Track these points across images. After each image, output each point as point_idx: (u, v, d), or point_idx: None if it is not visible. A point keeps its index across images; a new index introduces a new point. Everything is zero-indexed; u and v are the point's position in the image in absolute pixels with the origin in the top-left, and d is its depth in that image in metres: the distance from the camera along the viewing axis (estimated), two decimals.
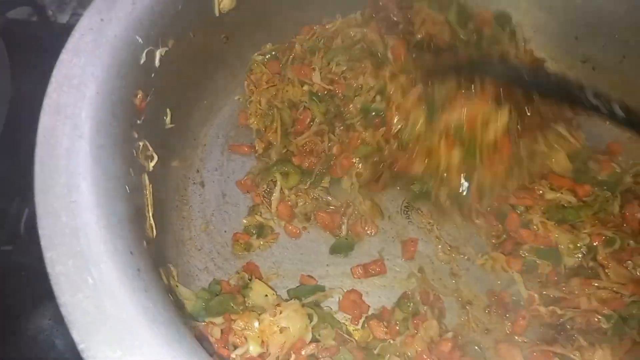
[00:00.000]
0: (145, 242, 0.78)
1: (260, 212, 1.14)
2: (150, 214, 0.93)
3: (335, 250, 1.11)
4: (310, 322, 0.94)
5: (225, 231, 1.13)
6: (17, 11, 1.50)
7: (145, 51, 0.91)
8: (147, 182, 0.94)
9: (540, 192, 1.10)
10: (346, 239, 1.12)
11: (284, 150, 1.18)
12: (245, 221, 1.13)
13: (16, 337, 1.07)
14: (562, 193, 1.09)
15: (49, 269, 0.65)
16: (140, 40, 0.90)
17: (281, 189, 1.13)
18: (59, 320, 1.04)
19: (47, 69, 0.80)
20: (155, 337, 0.62)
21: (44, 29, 1.49)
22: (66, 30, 0.84)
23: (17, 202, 1.18)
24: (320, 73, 1.20)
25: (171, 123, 1.07)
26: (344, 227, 1.12)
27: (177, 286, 0.96)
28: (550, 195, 1.09)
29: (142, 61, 0.90)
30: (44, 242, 0.66)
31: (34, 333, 1.08)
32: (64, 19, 1.56)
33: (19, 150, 1.18)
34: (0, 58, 1.18)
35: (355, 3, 1.28)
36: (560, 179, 1.12)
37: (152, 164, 0.97)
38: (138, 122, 0.91)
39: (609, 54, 1.27)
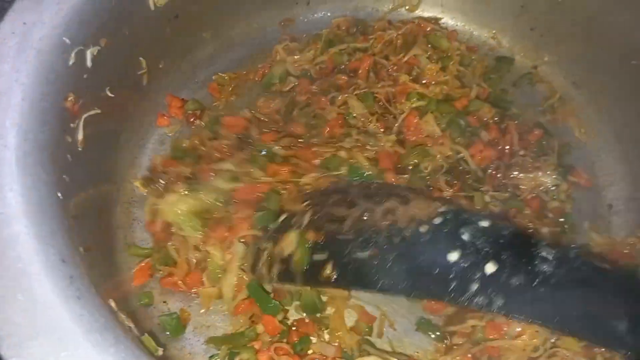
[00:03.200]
0: (82, 249, 0.77)
1: None
2: None
3: None
4: None
5: None
6: None
7: (74, 52, 0.89)
8: None
9: None
10: None
11: None
12: None
13: None
14: None
15: None
16: (68, 41, 0.88)
17: None
18: None
19: None
20: (91, 345, 0.62)
21: None
22: None
23: None
24: None
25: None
26: None
27: None
28: None
29: (71, 62, 0.88)
30: None
31: None
32: None
33: None
34: None
35: None
36: None
37: None
38: (72, 125, 0.89)
39: (556, 19, 1.28)
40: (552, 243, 0.86)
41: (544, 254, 0.80)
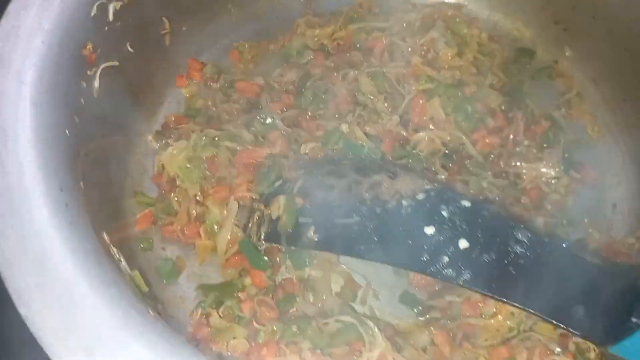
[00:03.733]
0: (82, 184, 0.84)
1: None
2: None
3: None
4: None
5: None
6: None
7: (97, 4, 0.95)
8: None
9: None
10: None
11: None
12: None
13: None
14: None
15: None
16: None
17: None
18: None
19: None
20: (74, 265, 0.69)
21: None
22: None
23: None
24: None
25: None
26: None
27: None
28: None
29: (92, 14, 0.94)
30: None
31: None
32: None
33: None
34: None
35: None
36: None
37: None
38: (89, 73, 0.96)
39: (579, 14, 1.27)
40: (531, 228, 0.87)
41: (519, 236, 0.82)
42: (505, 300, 0.79)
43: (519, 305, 0.78)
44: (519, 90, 1.28)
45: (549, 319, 0.76)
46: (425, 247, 0.84)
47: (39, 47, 0.84)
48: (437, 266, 0.83)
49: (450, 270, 0.82)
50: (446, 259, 0.83)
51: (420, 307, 1.03)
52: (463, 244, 0.83)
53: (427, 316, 1.01)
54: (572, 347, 0.90)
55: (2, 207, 0.70)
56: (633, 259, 1.10)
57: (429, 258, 0.83)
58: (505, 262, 0.80)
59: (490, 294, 0.80)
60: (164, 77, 1.24)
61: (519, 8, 1.37)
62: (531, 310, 0.77)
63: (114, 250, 0.85)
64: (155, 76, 1.22)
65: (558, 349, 0.90)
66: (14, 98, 0.78)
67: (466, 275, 0.81)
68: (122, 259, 0.86)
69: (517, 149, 1.16)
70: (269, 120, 1.15)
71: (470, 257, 0.82)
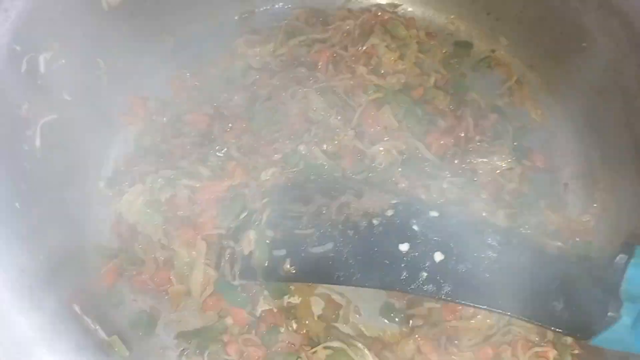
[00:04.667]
0: (42, 257, 0.79)
1: None
2: None
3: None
4: None
5: None
6: None
7: (26, 59, 0.89)
8: None
9: None
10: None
11: None
12: None
13: None
14: None
15: None
16: (18, 48, 0.88)
17: None
18: None
19: None
20: (53, 354, 0.65)
21: None
22: None
23: None
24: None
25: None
26: None
27: None
28: None
29: (23, 69, 0.89)
30: None
31: None
32: None
33: None
34: None
35: None
36: None
37: None
38: (28, 133, 0.90)
39: (510, 3, 1.31)
40: (498, 229, 0.90)
41: (489, 240, 0.85)
42: (487, 308, 0.81)
43: (502, 312, 0.80)
44: (461, 83, 1.31)
45: (532, 321, 0.79)
46: (403, 265, 0.86)
47: None
48: (417, 283, 0.84)
49: (430, 285, 0.83)
50: (424, 274, 0.84)
51: (402, 316, 1.04)
52: (438, 256, 0.85)
53: (410, 324, 1.03)
54: (550, 335, 0.94)
55: None
56: (590, 235, 1.16)
57: (407, 275, 0.85)
58: (481, 269, 0.83)
59: (472, 304, 0.82)
60: (106, 119, 1.19)
61: (450, 2, 1.40)
62: (514, 315, 0.80)
63: (88, 320, 0.81)
64: (98, 119, 1.16)
65: (537, 339, 0.94)
66: None
67: (446, 289, 0.83)
68: (98, 327, 0.83)
69: (470, 146, 1.19)
70: (224, 151, 1.13)
71: (447, 269, 0.84)
